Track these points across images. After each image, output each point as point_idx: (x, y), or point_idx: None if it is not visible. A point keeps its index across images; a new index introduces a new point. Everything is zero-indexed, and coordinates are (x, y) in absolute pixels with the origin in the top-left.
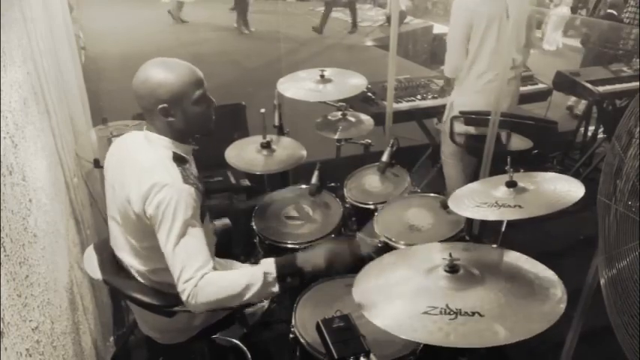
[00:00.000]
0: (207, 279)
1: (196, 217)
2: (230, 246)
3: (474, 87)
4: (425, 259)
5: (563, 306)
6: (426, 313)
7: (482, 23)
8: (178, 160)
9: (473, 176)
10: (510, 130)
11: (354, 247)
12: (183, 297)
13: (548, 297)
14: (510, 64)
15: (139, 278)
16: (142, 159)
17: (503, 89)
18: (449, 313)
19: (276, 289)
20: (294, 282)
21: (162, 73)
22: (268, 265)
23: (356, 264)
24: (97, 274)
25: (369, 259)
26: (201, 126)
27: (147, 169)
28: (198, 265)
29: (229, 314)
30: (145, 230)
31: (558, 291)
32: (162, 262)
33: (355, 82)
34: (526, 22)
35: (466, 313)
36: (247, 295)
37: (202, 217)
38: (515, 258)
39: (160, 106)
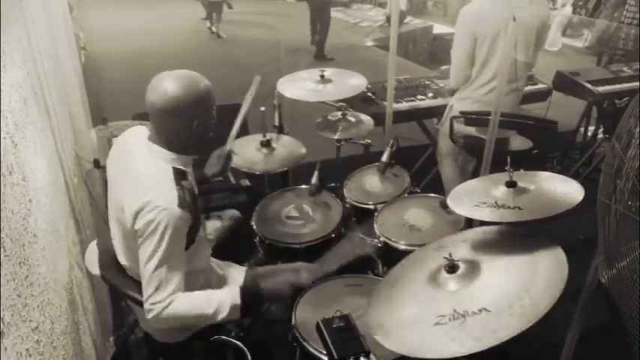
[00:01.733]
0: (174, 306)
1: (182, 242)
2: (238, 240)
3: (475, 96)
4: (425, 262)
5: (565, 271)
6: (437, 324)
7: (487, 37)
8: (179, 175)
9: (471, 176)
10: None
11: (311, 272)
12: (149, 315)
13: (549, 258)
14: (513, 75)
15: (134, 277)
16: (141, 172)
17: (502, 90)
18: (457, 318)
19: (237, 316)
20: (255, 312)
21: (196, 86)
22: (235, 295)
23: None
24: (97, 270)
25: (369, 260)
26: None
27: (144, 185)
28: (170, 291)
29: None
30: (136, 238)
31: (557, 253)
32: None
33: (355, 82)
34: (538, 27)
35: (473, 312)
36: (209, 322)
37: (197, 229)
38: (509, 233)
39: (196, 122)
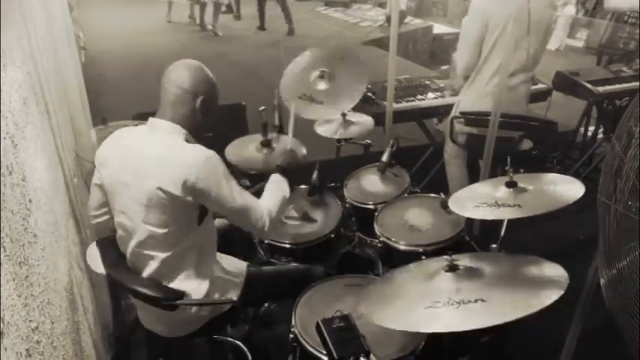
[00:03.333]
0: (268, 209)
1: None
2: (234, 245)
3: (483, 89)
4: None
5: (564, 286)
6: (429, 307)
7: (499, 25)
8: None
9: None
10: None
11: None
12: (266, 229)
13: (550, 281)
14: (519, 66)
15: (158, 266)
16: (164, 147)
17: (503, 88)
18: (452, 304)
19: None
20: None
21: (204, 71)
22: (279, 178)
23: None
24: (101, 269)
25: (369, 260)
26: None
27: (178, 151)
28: (259, 204)
29: (232, 308)
30: (177, 210)
31: (560, 277)
32: (182, 244)
33: None
34: (546, 24)
35: (469, 301)
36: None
37: (204, 215)
38: (515, 259)
39: (201, 98)
